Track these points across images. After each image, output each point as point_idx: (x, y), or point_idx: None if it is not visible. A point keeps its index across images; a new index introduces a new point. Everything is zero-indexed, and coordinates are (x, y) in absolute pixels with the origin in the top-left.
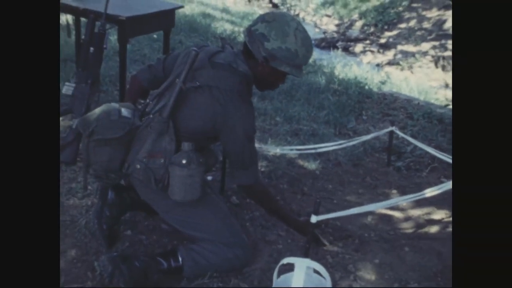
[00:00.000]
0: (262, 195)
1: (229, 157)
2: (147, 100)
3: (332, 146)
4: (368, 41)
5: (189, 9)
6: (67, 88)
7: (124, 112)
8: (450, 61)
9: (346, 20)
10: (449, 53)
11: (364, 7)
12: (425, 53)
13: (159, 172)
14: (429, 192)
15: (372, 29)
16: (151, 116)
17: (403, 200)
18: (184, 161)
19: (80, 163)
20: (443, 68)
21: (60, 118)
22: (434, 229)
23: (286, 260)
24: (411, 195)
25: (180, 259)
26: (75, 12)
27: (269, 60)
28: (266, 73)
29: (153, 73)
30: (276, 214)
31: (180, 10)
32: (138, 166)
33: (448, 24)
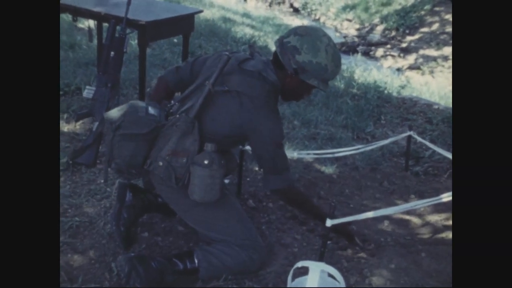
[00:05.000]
0: (296, 198)
1: (260, 163)
2: (172, 102)
3: (349, 151)
4: (389, 46)
5: (210, 14)
6: (87, 92)
7: (151, 110)
8: None
9: (367, 24)
10: None
11: (385, 11)
12: (446, 58)
13: (180, 171)
14: (446, 197)
15: (393, 33)
16: (177, 116)
17: (419, 205)
18: (206, 162)
19: (100, 166)
20: None
21: (81, 121)
22: (451, 234)
23: (300, 264)
24: (427, 200)
25: (196, 260)
26: (97, 17)
27: (298, 72)
28: (294, 84)
29: (180, 75)
30: (313, 216)
31: (201, 15)
32: (161, 164)
33: None
